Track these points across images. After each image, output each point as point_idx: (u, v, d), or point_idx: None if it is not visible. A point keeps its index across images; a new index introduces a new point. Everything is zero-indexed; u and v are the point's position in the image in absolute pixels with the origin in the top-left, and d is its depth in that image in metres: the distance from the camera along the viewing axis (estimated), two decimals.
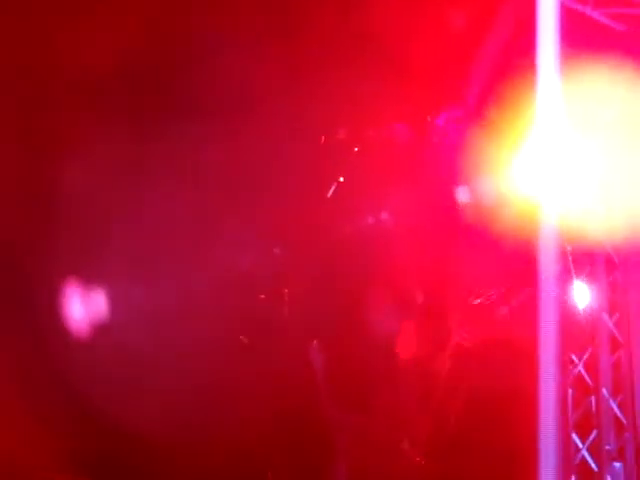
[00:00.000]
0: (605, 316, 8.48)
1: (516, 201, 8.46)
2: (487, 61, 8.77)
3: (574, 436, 8.39)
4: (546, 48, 5.84)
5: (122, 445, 9.25)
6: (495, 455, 8.63)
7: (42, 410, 9.06)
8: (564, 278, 8.26)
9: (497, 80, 8.69)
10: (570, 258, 8.45)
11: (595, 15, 8.19)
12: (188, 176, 9.35)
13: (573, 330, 8.49)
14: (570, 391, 8.51)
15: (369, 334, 9.79)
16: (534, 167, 8.32)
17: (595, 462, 8.35)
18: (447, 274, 9.62)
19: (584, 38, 8.00)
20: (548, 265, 5.83)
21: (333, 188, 9.76)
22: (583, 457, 8.34)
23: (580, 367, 8.50)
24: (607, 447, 8.28)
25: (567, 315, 8.37)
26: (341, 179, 9.75)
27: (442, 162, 9.32)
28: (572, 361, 8.51)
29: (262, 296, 9.79)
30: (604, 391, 8.39)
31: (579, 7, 8.18)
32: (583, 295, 8.48)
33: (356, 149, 9.70)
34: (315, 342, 9.78)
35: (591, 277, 8.52)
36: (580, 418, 8.44)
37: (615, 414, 8.38)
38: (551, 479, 5.67)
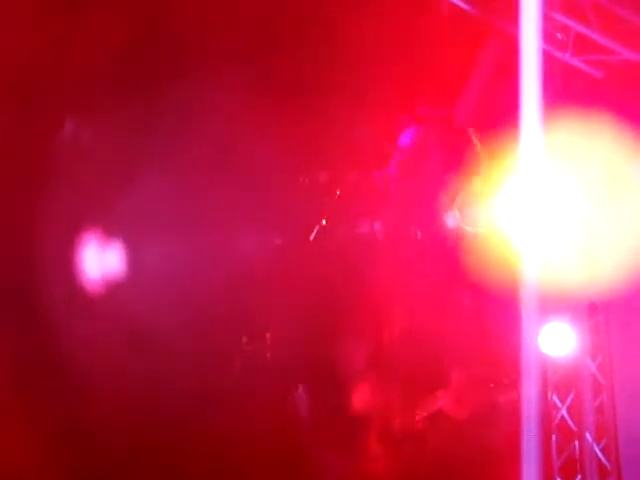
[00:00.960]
0: (588, 360, 8.55)
1: (496, 240, 8.56)
2: (472, 98, 9.00)
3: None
4: (528, 93, 5.78)
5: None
6: None
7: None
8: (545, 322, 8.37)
9: (482, 118, 8.92)
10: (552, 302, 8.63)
11: (574, 62, 8.41)
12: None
13: (556, 374, 8.62)
14: (554, 436, 8.58)
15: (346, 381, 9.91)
16: (516, 210, 8.52)
17: None
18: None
19: (564, 84, 8.28)
20: (529, 310, 6.03)
21: (316, 230, 9.97)
22: None
23: (563, 411, 8.59)
24: None
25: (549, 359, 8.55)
26: (323, 222, 9.91)
27: (422, 193, 9.45)
28: (555, 406, 8.58)
29: (244, 339, 9.94)
30: (587, 436, 8.47)
31: (559, 54, 8.42)
32: (566, 339, 8.54)
33: (338, 192, 9.84)
34: (300, 388, 9.90)
35: (573, 320, 8.57)
36: (564, 463, 8.52)
37: (599, 459, 8.46)
38: None
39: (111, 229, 9.71)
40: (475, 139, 8.96)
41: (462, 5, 8.59)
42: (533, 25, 5.76)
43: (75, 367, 9.49)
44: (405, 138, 9.45)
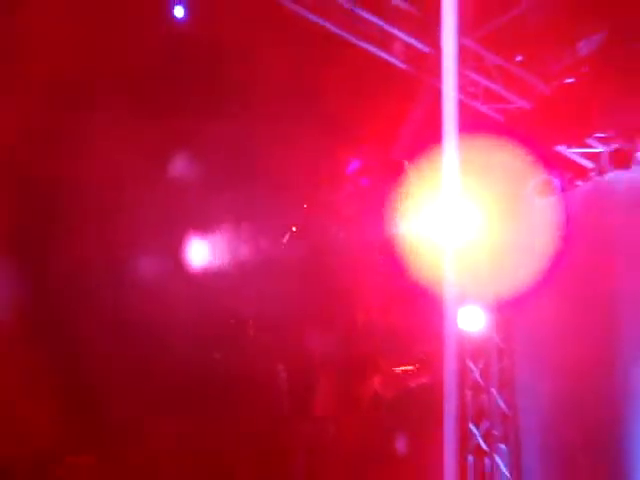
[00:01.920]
0: (494, 334, 9.79)
1: (426, 245, 9.20)
2: (407, 136, 9.48)
3: (471, 426, 9.70)
4: (449, 132, 6.68)
5: None
6: None
7: None
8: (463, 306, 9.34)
9: (414, 151, 9.40)
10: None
11: (483, 109, 9.18)
12: None
13: (471, 346, 9.78)
14: (468, 392, 9.75)
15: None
16: (440, 221, 8.95)
17: (486, 445, 9.65)
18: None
19: (475, 125, 8.56)
20: (450, 297, 7.01)
21: (287, 235, 11.11)
22: (477, 442, 9.67)
23: (476, 373, 9.78)
24: (495, 433, 9.58)
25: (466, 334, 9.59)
26: (294, 229, 11.09)
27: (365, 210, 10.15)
28: (470, 369, 9.75)
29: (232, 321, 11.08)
30: (493, 390, 9.72)
31: (472, 103, 9.11)
32: (478, 318, 9.68)
33: (305, 206, 10.99)
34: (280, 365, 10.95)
35: (484, 305, 9.68)
36: (475, 412, 9.72)
37: (501, 408, 9.66)
38: (453, 459, 6.86)
39: None
40: (408, 168, 9.52)
41: (400, 65, 9.08)
42: (451, 80, 6.73)
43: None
44: (353, 167, 10.30)
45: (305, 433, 11.10)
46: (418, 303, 9.60)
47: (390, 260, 9.89)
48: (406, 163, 9.62)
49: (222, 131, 10.20)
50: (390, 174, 9.79)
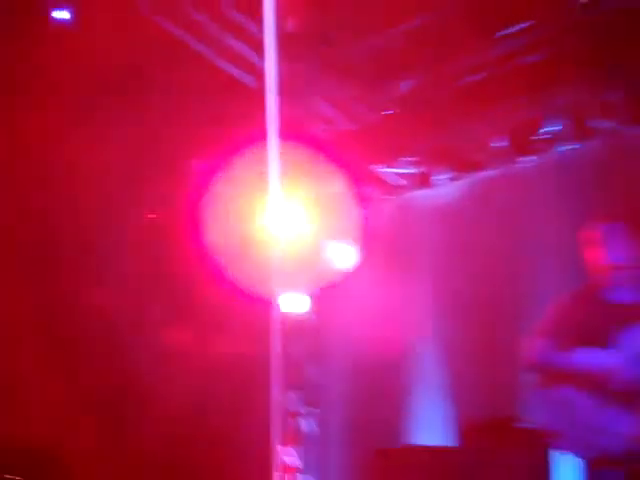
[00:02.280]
0: (313, 316, 11.15)
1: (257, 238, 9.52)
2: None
3: (291, 394, 10.80)
4: (272, 145, 6.31)
5: None
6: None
7: None
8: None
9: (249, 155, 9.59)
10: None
11: (314, 128, 9.93)
12: None
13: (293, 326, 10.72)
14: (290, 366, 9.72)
15: None
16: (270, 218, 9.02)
17: (301, 409, 10.96)
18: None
19: (303, 140, 9.47)
20: (275, 283, 7.42)
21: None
22: (294, 407, 10.87)
23: (296, 349, 10.89)
24: (309, 399, 10.89)
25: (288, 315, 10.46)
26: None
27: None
28: (291, 344, 10.46)
29: None
30: (309, 365, 11.10)
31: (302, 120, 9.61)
32: (300, 302, 10.93)
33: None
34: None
35: (305, 291, 10.89)
36: (292, 380, 10.64)
37: (316, 377, 11.01)
38: (279, 422, 6.56)
39: None
40: (237, 168, 9.90)
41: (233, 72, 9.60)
42: (273, 95, 6.07)
43: None
44: (199, 166, 10.61)
45: None
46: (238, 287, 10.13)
47: (217, 252, 10.33)
48: (236, 162, 9.93)
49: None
50: (221, 172, 10.31)
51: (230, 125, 9.70)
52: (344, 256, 10.46)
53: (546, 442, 5.33)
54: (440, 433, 9.84)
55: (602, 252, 5.26)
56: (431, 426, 10.33)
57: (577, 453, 5.22)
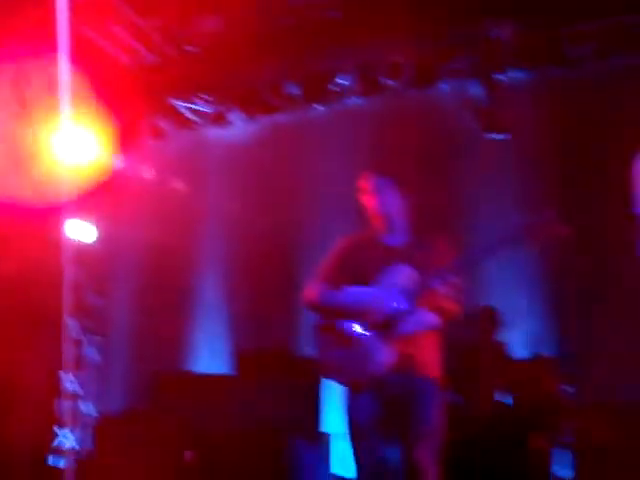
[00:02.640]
0: (99, 245, 11.07)
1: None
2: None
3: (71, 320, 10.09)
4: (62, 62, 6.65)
5: None
6: None
7: None
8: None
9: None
10: None
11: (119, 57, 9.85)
12: None
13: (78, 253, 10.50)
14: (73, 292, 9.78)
15: None
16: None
17: (84, 336, 10.93)
18: None
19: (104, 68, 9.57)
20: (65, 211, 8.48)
21: None
22: (76, 334, 10.69)
23: (80, 276, 10.84)
24: (91, 328, 10.94)
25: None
26: None
27: None
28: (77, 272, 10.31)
29: None
30: (92, 292, 11.14)
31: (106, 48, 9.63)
32: (87, 231, 10.80)
33: None
34: None
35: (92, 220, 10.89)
36: (78, 309, 10.54)
37: (99, 305, 11.09)
38: (70, 349, 8.45)
39: None
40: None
41: None
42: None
43: None
44: None
45: None
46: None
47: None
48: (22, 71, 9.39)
49: None
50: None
51: (19, 33, 9.20)
52: (133, 186, 10.53)
53: (316, 370, 5.77)
54: (220, 362, 10.54)
55: (375, 201, 5.81)
56: (212, 355, 10.81)
57: (340, 380, 5.77)
